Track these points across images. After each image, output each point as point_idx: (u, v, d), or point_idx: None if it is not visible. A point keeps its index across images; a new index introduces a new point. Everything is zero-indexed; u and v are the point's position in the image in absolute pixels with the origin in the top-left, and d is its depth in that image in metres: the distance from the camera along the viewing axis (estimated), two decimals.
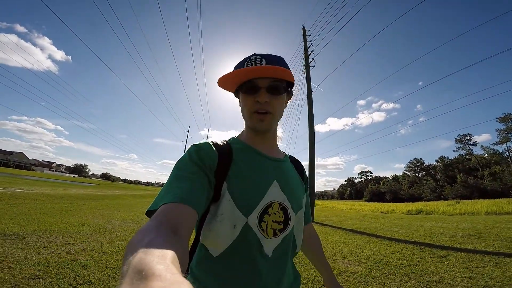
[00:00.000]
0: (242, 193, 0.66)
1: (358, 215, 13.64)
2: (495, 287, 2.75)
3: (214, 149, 0.69)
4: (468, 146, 57.00)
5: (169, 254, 0.30)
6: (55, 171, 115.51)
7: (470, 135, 56.82)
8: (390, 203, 24.59)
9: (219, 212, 0.64)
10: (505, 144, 48.05)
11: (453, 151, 58.22)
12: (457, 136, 58.03)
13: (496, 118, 48.04)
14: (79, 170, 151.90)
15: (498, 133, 48.43)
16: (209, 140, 0.72)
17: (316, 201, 36.82)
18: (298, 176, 0.85)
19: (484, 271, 3.27)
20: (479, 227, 6.99)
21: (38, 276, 2.49)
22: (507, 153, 48.79)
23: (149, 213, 0.54)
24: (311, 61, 14.45)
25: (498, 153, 49.74)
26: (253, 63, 0.70)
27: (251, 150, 0.75)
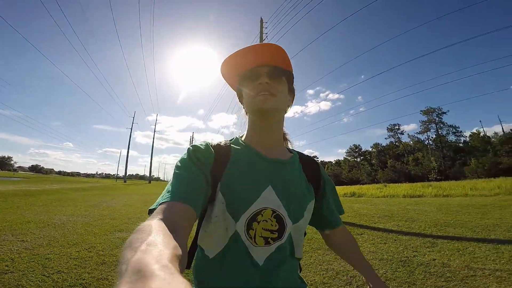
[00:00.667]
0: (233, 196, 0.65)
1: None
2: (387, 260, 3.39)
3: (211, 149, 0.70)
4: (397, 135, 64.56)
5: (168, 253, 0.30)
6: None
7: (399, 125, 64.26)
8: (357, 186, 27.10)
9: (214, 214, 0.65)
10: (426, 134, 55.62)
11: (385, 138, 65.16)
12: (389, 126, 65.19)
13: (420, 110, 55.38)
14: (1, 163, 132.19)
15: (421, 124, 55.83)
16: (209, 141, 0.73)
17: None
18: (303, 178, 0.77)
19: (384, 246, 3.99)
20: (393, 209, 8.20)
21: (8, 271, 2.61)
22: (427, 141, 56.52)
23: (151, 212, 0.54)
24: None
25: (420, 141, 57.33)
26: (255, 50, 0.71)
27: (250, 150, 0.73)
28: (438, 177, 43.18)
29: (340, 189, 18.90)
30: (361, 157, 74.78)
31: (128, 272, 0.25)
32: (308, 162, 0.82)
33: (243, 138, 0.79)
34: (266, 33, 15.17)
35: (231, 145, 0.74)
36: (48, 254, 3.20)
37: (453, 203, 8.78)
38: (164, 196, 0.55)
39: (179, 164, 0.64)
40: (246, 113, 0.80)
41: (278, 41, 15.94)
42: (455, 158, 49.48)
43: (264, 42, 14.51)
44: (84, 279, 2.54)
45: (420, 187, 15.17)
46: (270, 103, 0.70)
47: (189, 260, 0.69)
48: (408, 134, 62.59)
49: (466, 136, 52.66)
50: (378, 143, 69.63)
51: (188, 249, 0.65)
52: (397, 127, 64.70)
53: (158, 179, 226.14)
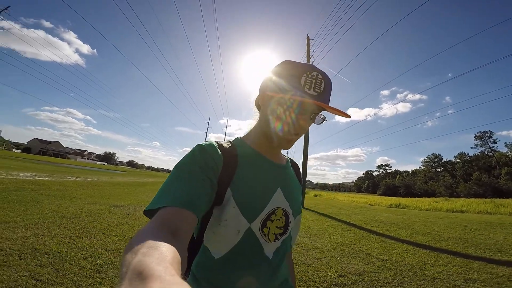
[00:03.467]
0: (247, 200, 0.66)
1: (343, 205, 15.52)
2: (374, 255, 4.22)
3: (219, 151, 0.67)
4: (488, 144, 56.31)
5: (169, 256, 0.31)
6: (87, 159, 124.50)
7: (491, 132, 56.04)
8: (401, 198, 26.47)
9: (223, 217, 0.64)
10: None
11: (471, 148, 57.57)
12: (477, 133, 57.44)
13: None
14: (108, 157, 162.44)
15: None
16: (214, 141, 0.70)
17: (321, 192, 38.65)
18: (297, 180, 0.85)
19: (380, 246, 4.89)
20: (405, 219, 9.22)
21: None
22: None
23: (147, 212, 0.54)
24: None
25: None
26: (313, 82, 0.64)
27: (258, 156, 0.74)
28: None
29: (389, 200, 19.01)
30: (441, 168, 67.41)
31: (129, 274, 0.25)
32: (295, 166, 0.90)
33: (246, 140, 0.77)
34: (313, 50, 16.63)
35: (236, 147, 0.73)
36: None
37: (467, 219, 9.23)
38: (164, 197, 0.53)
39: (184, 165, 0.61)
40: (258, 107, 0.77)
41: (326, 52, 17.05)
42: None
43: (310, 60, 15.86)
44: None
45: (481, 203, 14.35)
46: (291, 145, 0.72)
47: (189, 261, 0.69)
48: (505, 142, 53.90)
49: None
50: (464, 153, 61.79)
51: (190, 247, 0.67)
52: (488, 134, 56.47)
53: None
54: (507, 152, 52.36)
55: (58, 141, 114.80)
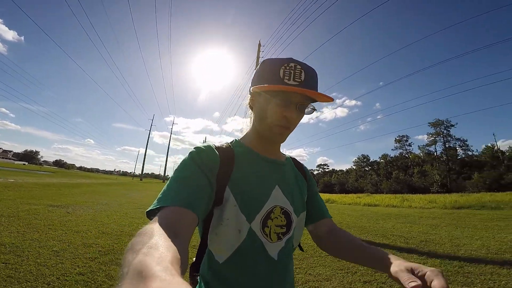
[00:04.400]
0: (246, 198, 0.66)
1: None
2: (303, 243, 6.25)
3: (216, 152, 0.69)
4: (405, 146, 65.53)
5: (169, 256, 0.30)
6: (2, 158, 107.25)
7: (407, 136, 65.24)
8: (333, 194, 29.40)
9: (225, 216, 0.64)
10: (434, 146, 56.43)
11: (392, 150, 66.18)
12: (397, 137, 66.31)
13: (428, 122, 56.39)
14: (29, 156, 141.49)
15: (428, 136, 56.82)
16: (211, 143, 0.73)
17: None
18: (301, 177, 0.84)
19: (306, 236, 6.84)
20: (334, 212, 10.74)
21: (92, 220, 5.64)
22: (435, 154, 57.31)
23: (149, 213, 0.54)
24: None
25: (430, 153, 58.03)
26: (292, 72, 0.65)
27: (254, 154, 0.75)
28: (440, 190, 44.07)
29: (324, 196, 21.29)
30: (369, 167, 75.90)
31: (130, 274, 0.26)
32: (298, 165, 0.89)
33: (243, 141, 0.79)
34: (262, 57, 17.80)
35: (233, 148, 0.74)
36: (104, 216, 6.20)
37: (375, 212, 11.17)
38: (165, 199, 0.54)
39: (182, 167, 0.63)
40: (250, 117, 0.80)
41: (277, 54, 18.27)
42: (461, 172, 50.30)
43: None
44: (122, 225, 5.48)
45: (393, 198, 17.30)
46: (284, 138, 0.72)
47: (197, 263, 0.70)
48: (418, 146, 63.24)
49: (476, 150, 53.15)
50: (387, 154, 70.69)
51: (195, 254, 0.70)
52: (405, 138, 65.66)
53: None
54: (419, 153, 61.49)
55: None
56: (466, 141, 53.67)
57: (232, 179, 0.67)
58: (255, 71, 0.75)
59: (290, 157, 0.90)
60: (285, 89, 0.64)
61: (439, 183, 48.50)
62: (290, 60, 0.68)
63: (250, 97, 0.77)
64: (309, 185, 0.87)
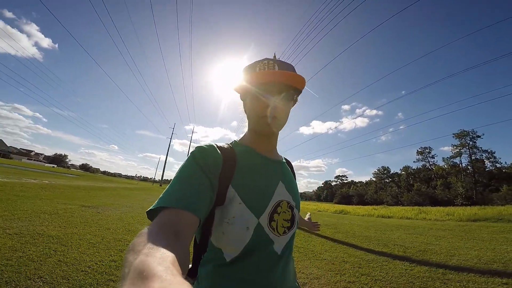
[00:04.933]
0: (252, 195, 0.67)
1: None
2: (305, 248, 5.77)
3: (219, 152, 0.69)
4: (428, 158, 63.38)
5: (170, 256, 0.31)
6: (34, 160, 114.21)
7: (430, 148, 63.23)
8: (349, 206, 29.20)
9: (230, 215, 0.65)
10: (459, 158, 54.26)
11: (413, 162, 64.24)
12: (419, 149, 64.38)
13: (453, 133, 54.47)
14: (58, 160, 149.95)
15: (452, 148, 54.75)
16: (213, 143, 0.73)
17: None
18: (293, 176, 0.88)
19: (303, 239, 6.22)
20: (337, 221, 11.09)
21: (118, 219, 6.36)
22: (461, 166, 55.01)
23: (150, 213, 0.55)
24: None
25: (455, 165, 55.80)
26: (266, 67, 0.71)
27: (254, 153, 0.77)
28: (464, 203, 42.23)
29: (338, 207, 21.14)
30: (389, 179, 73.88)
31: (131, 274, 0.26)
32: (290, 165, 0.93)
33: (241, 141, 0.81)
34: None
35: (234, 148, 0.75)
36: (129, 217, 6.89)
37: (386, 223, 11.18)
38: (167, 199, 0.54)
39: (185, 167, 0.63)
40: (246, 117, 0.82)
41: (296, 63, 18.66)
42: (488, 184, 48.00)
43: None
44: (145, 224, 6.10)
45: (409, 210, 17.05)
46: (272, 128, 0.73)
47: (194, 268, 0.72)
48: (442, 158, 60.97)
49: (505, 162, 50.59)
50: (409, 166, 68.62)
51: (191, 259, 0.71)
52: (427, 150, 63.65)
53: None
54: (444, 165, 59.20)
55: (0, 139, 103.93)
56: (494, 152, 51.31)
57: (236, 178, 0.68)
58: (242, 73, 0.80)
59: (282, 156, 0.92)
60: (258, 76, 0.68)
61: (464, 196, 46.45)
62: (265, 58, 0.75)
63: (243, 103, 0.82)
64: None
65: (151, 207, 0.55)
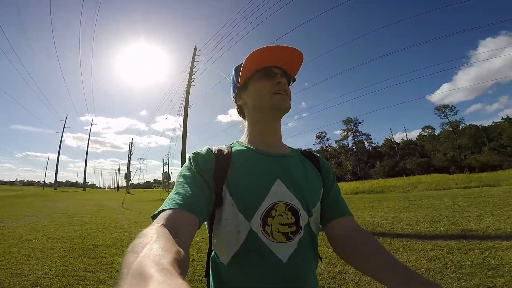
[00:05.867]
0: (243, 195, 0.65)
1: None
2: None
3: (212, 153, 0.70)
4: (324, 141, 73.92)
5: (169, 257, 0.30)
6: None
7: (325, 132, 73.77)
8: None
9: (224, 217, 0.64)
10: (347, 140, 65.45)
11: (313, 144, 73.80)
12: (317, 133, 74.30)
13: (341, 120, 65.29)
14: None
15: (341, 132, 65.70)
16: (210, 146, 0.74)
17: None
18: (313, 169, 0.78)
19: None
20: None
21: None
22: (348, 146, 66.43)
23: (154, 218, 0.54)
24: (193, 81, 17.23)
25: (344, 146, 66.81)
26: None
27: (251, 150, 0.74)
28: (352, 178, 51.20)
29: None
30: None
31: (129, 275, 0.26)
32: (308, 155, 0.82)
33: (241, 140, 0.80)
34: (198, 61, 17.42)
35: (231, 147, 0.75)
36: (42, 227, 6.39)
37: None
38: (167, 203, 0.55)
39: (182, 172, 0.65)
40: (242, 115, 0.83)
41: (209, 65, 18.37)
42: (368, 162, 59.88)
43: (194, 70, 17.18)
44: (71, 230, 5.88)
45: None
46: (287, 103, 0.73)
47: (207, 267, 0.73)
48: (335, 140, 71.75)
49: (377, 143, 63.89)
50: (310, 148, 77.80)
51: (206, 258, 0.73)
52: (323, 134, 74.06)
53: (93, 186, 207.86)
54: (336, 147, 70.19)
55: None
56: (370, 135, 63.86)
57: (228, 178, 0.66)
58: (230, 82, 0.82)
59: (299, 149, 0.85)
60: (266, 52, 0.70)
61: (351, 172, 56.62)
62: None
63: (237, 105, 0.82)
64: (324, 178, 0.79)
65: (155, 213, 0.54)
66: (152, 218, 0.54)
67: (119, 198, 21.05)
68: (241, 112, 0.83)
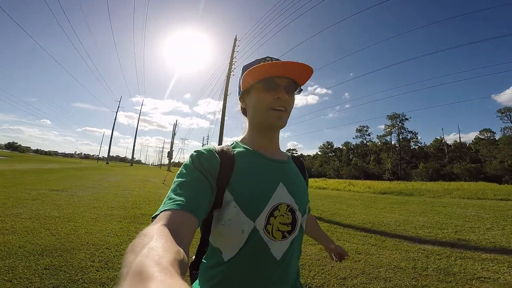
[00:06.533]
0: (248, 198, 0.67)
1: None
2: None
3: (216, 155, 0.70)
4: (365, 135, 71.04)
5: (170, 257, 0.31)
6: None
7: (367, 126, 70.75)
8: None
9: (226, 217, 0.66)
10: (390, 136, 62.09)
11: (353, 138, 71.38)
12: (358, 127, 71.53)
13: (386, 115, 61.90)
14: None
15: (385, 128, 62.42)
16: (212, 146, 0.73)
17: None
18: (301, 174, 0.85)
19: None
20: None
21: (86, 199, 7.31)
22: (391, 143, 63.12)
23: (154, 219, 0.54)
24: (232, 71, 17.55)
25: (387, 142, 63.71)
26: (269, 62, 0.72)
27: (255, 153, 0.76)
28: (390, 177, 48.87)
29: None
30: (332, 153, 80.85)
31: (129, 274, 0.26)
32: (298, 161, 0.90)
33: (242, 142, 0.81)
34: (238, 51, 18.43)
35: (234, 149, 0.75)
36: (103, 196, 7.73)
37: (318, 193, 13.61)
38: (166, 203, 0.55)
39: (183, 171, 0.65)
40: (245, 115, 0.83)
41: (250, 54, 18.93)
42: (410, 161, 56.48)
43: (234, 60, 17.86)
44: (121, 202, 7.06)
45: (340, 183, 20.11)
46: (283, 120, 0.74)
47: (197, 261, 0.75)
48: (377, 135, 68.73)
49: (424, 143, 59.49)
50: (349, 142, 75.86)
51: (195, 252, 0.74)
52: (365, 128, 71.04)
53: (139, 162, 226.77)
54: (377, 142, 67.10)
55: None
56: (417, 133, 59.62)
57: (232, 181, 0.67)
58: (239, 79, 0.80)
59: (289, 154, 0.89)
60: (269, 67, 0.69)
61: (390, 171, 53.86)
62: (267, 57, 0.76)
63: (241, 103, 0.83)
64: (306, 181, 0.89)
65: (155, 214, 0.54)
66: (152, 219, 0.54)
67: (161, 175, 23.00)
68: (244, 112, 0.85)
